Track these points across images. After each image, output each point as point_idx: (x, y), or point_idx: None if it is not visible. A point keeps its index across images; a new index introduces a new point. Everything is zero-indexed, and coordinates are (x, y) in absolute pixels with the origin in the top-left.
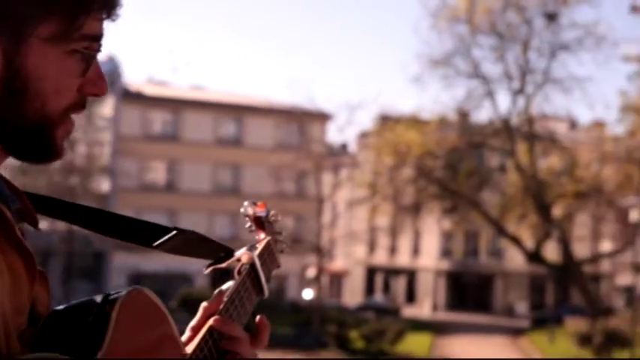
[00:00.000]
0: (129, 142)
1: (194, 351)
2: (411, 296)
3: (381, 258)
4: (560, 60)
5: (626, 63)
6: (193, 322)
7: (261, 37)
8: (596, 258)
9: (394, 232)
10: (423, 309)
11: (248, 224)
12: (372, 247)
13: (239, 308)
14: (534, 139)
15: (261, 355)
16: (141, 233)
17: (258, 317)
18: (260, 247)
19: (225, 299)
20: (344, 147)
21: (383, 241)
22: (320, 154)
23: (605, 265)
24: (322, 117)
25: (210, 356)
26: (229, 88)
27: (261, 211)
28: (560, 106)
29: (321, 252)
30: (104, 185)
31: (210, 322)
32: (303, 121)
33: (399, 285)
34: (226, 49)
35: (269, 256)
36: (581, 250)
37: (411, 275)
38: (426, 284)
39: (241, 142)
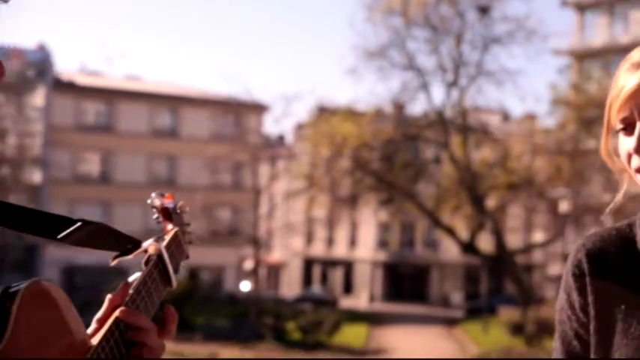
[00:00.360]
0: (61, 132)
1: (99, 342)
2: (348, 287)
3: (318, 249)
4: (493, 53)
5: (556, 56)
6: (99, 315)
7: (197, 27)
8: (528, 248)
9: (331, 224)
10: (360, 300)
11: (155, 215)
12: (309, 238)
13: (146, 299)
14: (468, 131)
15: (199, 348)
16: (46, 225)
17: (165, 307)
18: (167, 238)
19: (131, 291)
20: (281, 138)
21: (320, 233)
22: (256, 145)
23: (537, 256)
24: (258, 108)
25: (117, 347)
26: (165, 78)
27: (168, 203)
28: (493, 99)
29: (258, 244)
30: (36, 177)
31: (116, 313)
32: (240, 112)
33: (337, 276)
34: (162, 39)
35: (177, 247)
36: (513, 240)
37: (348, 266)
38: (363, 275)
39: (177, 133)
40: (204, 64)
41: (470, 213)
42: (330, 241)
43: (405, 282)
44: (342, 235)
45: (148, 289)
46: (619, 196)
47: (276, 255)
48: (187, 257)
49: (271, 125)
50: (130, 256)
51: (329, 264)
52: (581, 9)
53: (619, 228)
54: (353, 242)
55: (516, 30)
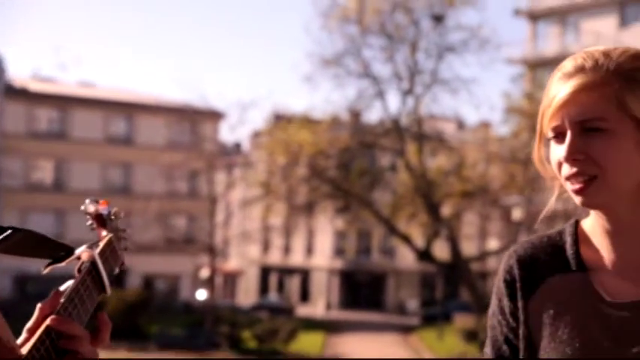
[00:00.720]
0: (13, 139)
1: (29, 351)
2: (305, 295)
3: (275, 257)
4: (447, 61)
5: (509, 65)
6: (29, 324)
7: (152, 33)
8: (482, 256)
9: (288, 232)
10: (317, 308)
11: (89, 222)
12: (266, 246)
13: (79, 307)
14: (423, 139)
15: (153, 357)
16: None
17: (98, 315)
18: (101, 244)
19: (62, 299)
20: (237, 146)
21: (277, 241)
22: (212, 153)
23: (491, 263)
24: (214, 116)
25: (48, 356)
26: (120, 85)
27: (103, 209)
28: (448, 107)
29: (214, 252)
30: None
31: (47, 321)
32: (195, 119)
33: (293, 284)
34: (116, 46)
35: (111, 253)
36: (468, 248)
37: (304, 274)
38: (319, 283)
39: (132, 140)
40: (160, 71)
41: (425, 220)
42: (286, 249)
43: (362, 290)
44: (298, 243)
45: (80, 296)
46: (551, 203)
47: (232, 263)
48: (123, 264)
49: (227, 133)
50: (63, 264)
51: (285, 272)
52: (534, 18)
53: (550, 235)
54: (310, 250)
55: (470, 39)
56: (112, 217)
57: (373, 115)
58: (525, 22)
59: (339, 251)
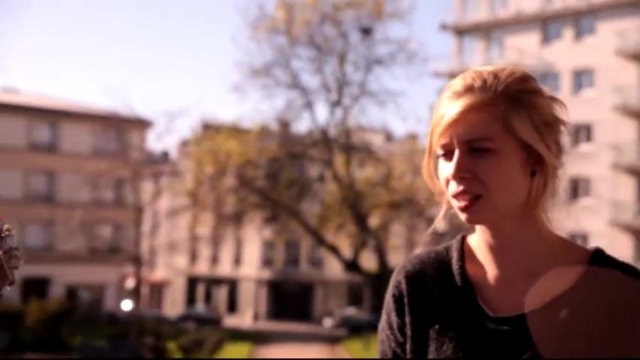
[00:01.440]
0: None
1: None
2: (232, 306)
3: (202, 267)
4: (375, 74)
5: (436, 79)
6: None
7: (78, 39)
8: None
9: (216, 242)
10: (244, 318)
11: None
12: (193, 256)
13: None
14: (351, 150)
15: None
16: None
17: None
18: None
19: None
20: (165, 155)
21: (204, 251)
22: (138, 161)
23: None
24: (142, 124)
25: None
26: (44, 91)
27: None
28: (376, 119)
29: (140, 262)
30: None
31: None
32: (122, 127)
33: (221, 295)
34: (41, 51)
35: None
36: (396, 258)
37: (232, 285)
38: (247, 294)
39: (56, 147)
40: (86, 79)
41: (353, 231)
42: (214, 260)
43: (290, 300)
44: (226, 253)
45: None
46: (438, 218)
47: (159, 273)
48: (12, 282)
49: (155, 141)
50: None
51: (213, 282)
52: (460, 33)
53: (438, 251)
54: (237, 260)
55: (398, 52)
56: (4, 235)
57: (302, 125)
58: (452, 37)
59: (267, 261)
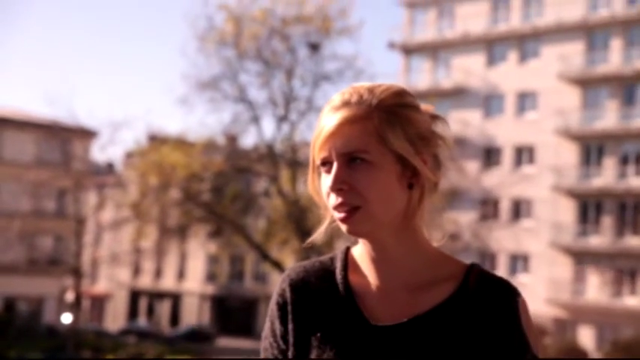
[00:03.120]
0: None
1: None
2: (175, 320)
3: (145, 281)
4: (323, 90)
5: None
6: None
7: (20, 47)
8: None
9: (159, 255)
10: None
11: None
12: (136, 269)
13: None
14: (297, 165)
15: None
16: None
17: None
18: None
19: None
20: (110, 166)
21: (148, 264)
22: (81, 171)
23: None
24: (86, 134)
25: None
26: None
27: None
28: None
29: (80, 274)
30: None
31: None
32: (65, 137)
33: (164, 308)
34: None
35: None
36: None
37: (175, 299)
38: (190, 308)
39: None
40: (28, 87)
41: (297, 247)
42: (157, 273)
43: (233, 315)
44: (170, 266)
45: None
46: (319, 231)
47: (101, 286)
48: None
49: (99, 152)
50: None
51: (156, 296)
52: (407, 52)
53: (322, 261)
54: (181, 274)
55: (345, 69)
56: None
57: (249, 140)
58: (399, 56)
59: (211, 276)
